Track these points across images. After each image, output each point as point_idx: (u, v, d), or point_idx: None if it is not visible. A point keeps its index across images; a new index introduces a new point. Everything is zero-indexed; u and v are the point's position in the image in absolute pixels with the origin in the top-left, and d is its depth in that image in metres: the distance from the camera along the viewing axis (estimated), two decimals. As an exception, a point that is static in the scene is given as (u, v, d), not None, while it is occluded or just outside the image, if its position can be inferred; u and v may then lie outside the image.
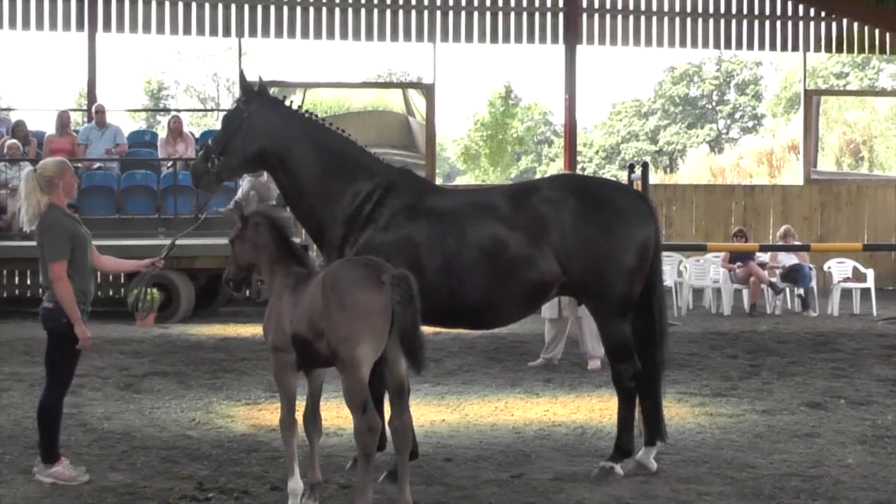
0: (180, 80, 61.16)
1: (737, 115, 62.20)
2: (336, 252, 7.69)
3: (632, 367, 7.67)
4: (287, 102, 8.17)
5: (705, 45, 25.31)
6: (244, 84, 8.11)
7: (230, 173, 8.24)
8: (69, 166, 7.67)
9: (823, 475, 7.70)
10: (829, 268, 20.50)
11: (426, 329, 6.82)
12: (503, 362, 13.02)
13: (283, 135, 7.90)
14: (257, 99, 8.03)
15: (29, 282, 19.87)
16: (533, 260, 7.51)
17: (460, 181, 52.80)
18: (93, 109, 20.32)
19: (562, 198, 7.64)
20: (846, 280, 20.12)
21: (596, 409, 10.19)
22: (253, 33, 23.69)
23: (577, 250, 7.51)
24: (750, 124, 61.73)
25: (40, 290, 20.37)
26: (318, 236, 7.97)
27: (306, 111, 8.11)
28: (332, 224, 7.78)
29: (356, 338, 6.35)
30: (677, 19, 24.74)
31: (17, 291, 20.30)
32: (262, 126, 7.90)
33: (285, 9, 23.46)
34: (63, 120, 19.77)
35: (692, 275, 19.95)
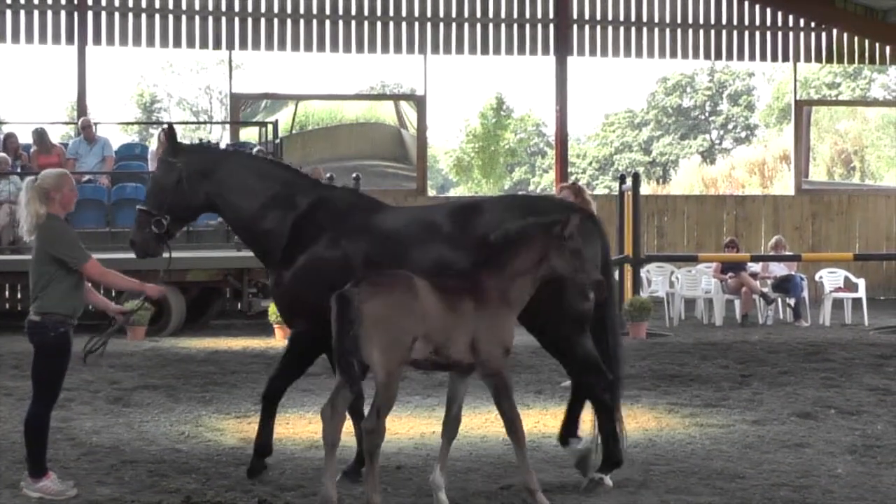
0: (173, 92, 61.06)
1: (729, 126, 62.23)
2: (275, 274, 7.88)
3: (602, 378, 7.65)
4: (212, 144, 8.34)
5: (696, 55, 25.40)
6: (173, 140, 8.20)
7: (179, 227, 8.35)
8: (69, 180, 7.63)
9: (813, 485, 7.69)
10: (821, 278, 20.52)
11: None
12: (494, 374, 12.97)
13: (220, 175, 8.06)
14: (184, 150, 8.22)
15: (19, 295, 19.80)
16: None
17: (453, 193, 52.80)
18: (79, 125, 20.27)
19: (505, 220, 7.58)
20: (837, 290, 20.15)
21: (587, 421, 10.13)
22: (244, 46, 23.73)
23: None
24: (743, 135, 61.75)
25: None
26: (264, 260, 8.17)
27: (233, 146, 8.29)
28: (273, 248, 7.92)
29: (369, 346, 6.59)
30: (668, 30, 24.82)
31: (7, 305, 20.24)
32: (200, 173, 8.04)
33: (276, 21, 23.51)
34: (40, 138, 19.58)
35: (684, 285, 19.96)
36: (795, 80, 27.43)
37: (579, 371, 7.78)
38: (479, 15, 24.13)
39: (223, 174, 8.07)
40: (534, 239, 7.12)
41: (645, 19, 24.71)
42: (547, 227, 7.18)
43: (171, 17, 23.17)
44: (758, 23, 25.18)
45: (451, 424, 7.20)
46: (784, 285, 19.46)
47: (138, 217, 8.16)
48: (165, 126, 8.36)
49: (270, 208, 7.96)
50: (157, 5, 23.10)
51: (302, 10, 23.56)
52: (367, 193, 8.80)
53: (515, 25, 24.27)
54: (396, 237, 7.70)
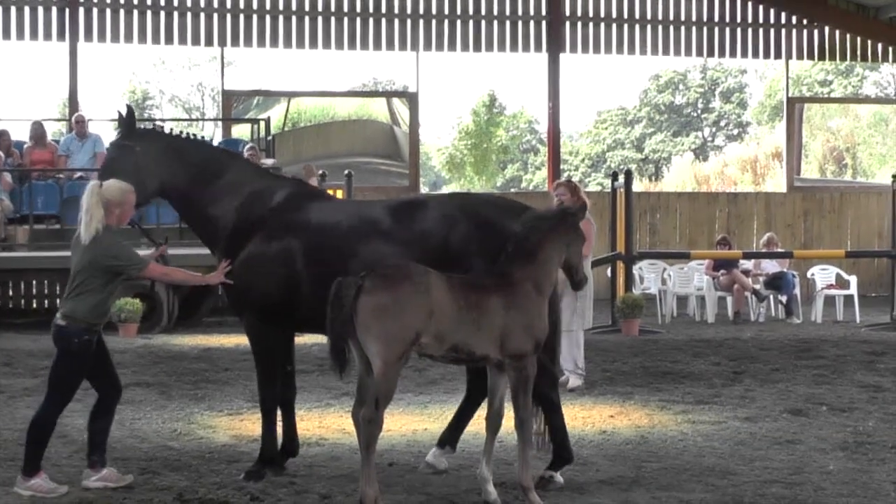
0: (165, 89, 60.96)
1: (722, 123, 62.26)
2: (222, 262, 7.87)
3: (549, 375, 7.63)
4: (167, 130, 8.42)
5: (689, 53, 25.38)
6: (131, 123, 8.20)
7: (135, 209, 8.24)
8: (131, 196, 7.55)
9: (804, 482, 7.71)
10: (813, 275, 20.56)
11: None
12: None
13: (176, 163, 8.06)
14: (139, 134, 8.22)
15: (11, 293, 19.74)
16: None
17: (446, 190, 52.80)
18: (73, 120, 20.24)
19: (447, 217, 7.63)
20: (829, 287, 20.17)
21: (578, 418, 10.18)
22: (236, 42, 23.68)
23: (460, 270, 7.35)
24: (735, 132, 61.78)
25: (23, 302, 20.22)
26: (211, 247, 8.18)
27: (187, 134, 8.28)
28: (221, 237, 7.95)
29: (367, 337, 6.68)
30: (660, 27, 24.81)
31: (-1, 302, 20.19)
32: (156, 158, 8.02)
33: (268, 18, 23.46)
34: (37, 131, 19.57)
35: (676, 282, 19.98)
36: (788, 78, 27.49)
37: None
38: (471, 11, 24.11)
39: (177, 159, 8.06)
40: (559, 225, 7.18)
41: (637, 16, 24.71)
42: (561, 215, 7.27)
43: (163, 13, 23.11)
44: (750, 20, 25.18)
45: (493, 418, 7.22)
46: (776, 282, 19.49)
47: None
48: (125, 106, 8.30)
49: (219, 195, 7.98)
50: (149, 2, 23.03)
51: (294, 7, 23.52)
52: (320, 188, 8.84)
53: (508, 22, 24.25)
54: (340, 229, 7.72)
